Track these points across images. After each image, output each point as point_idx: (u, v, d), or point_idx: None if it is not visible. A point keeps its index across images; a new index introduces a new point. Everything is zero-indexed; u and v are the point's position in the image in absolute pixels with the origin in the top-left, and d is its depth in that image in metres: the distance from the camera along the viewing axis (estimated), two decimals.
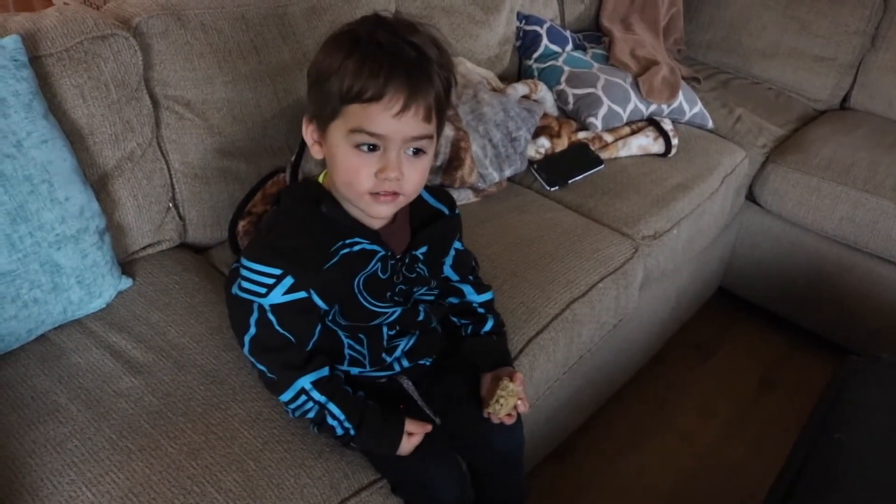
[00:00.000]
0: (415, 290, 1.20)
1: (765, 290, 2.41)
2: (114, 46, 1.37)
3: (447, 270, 1.29)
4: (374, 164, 1.02)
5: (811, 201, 2.15)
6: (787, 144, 2.30)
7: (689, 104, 2.21)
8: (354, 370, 1.20)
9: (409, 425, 1.13)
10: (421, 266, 1.19)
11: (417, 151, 1.05)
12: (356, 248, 1.11)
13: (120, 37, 1.39)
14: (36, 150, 1.23)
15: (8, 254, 1.19)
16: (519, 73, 2.26)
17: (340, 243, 1.10)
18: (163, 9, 1.49)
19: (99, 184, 1.37)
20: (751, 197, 2.29)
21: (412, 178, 1.05)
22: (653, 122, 2.09)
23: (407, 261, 1.16)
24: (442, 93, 1.05)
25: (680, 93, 2.17)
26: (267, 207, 1.52)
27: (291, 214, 1.15)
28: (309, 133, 1.10)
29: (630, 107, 2.06)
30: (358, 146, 1.02)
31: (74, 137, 1.32)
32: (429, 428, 1.14)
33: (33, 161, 1.22)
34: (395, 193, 1.05)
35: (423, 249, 1.19)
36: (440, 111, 1.06)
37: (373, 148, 1.02)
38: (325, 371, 1.12)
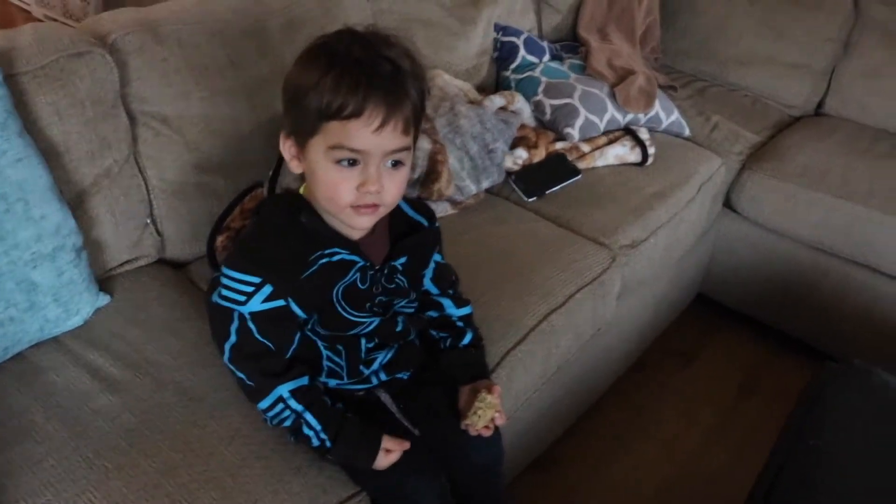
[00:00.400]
0: (394, 301, 1.21)
1: (744, 296, 2.43)
2: (90, 64, 1.38)
3: (427, 284, 1.30)
4: (355, 179, 1.04)
5: (787, 208, 2.17)
6: (763, 151, 2.32)
7: (665, 113, 2.23)
8: (332, 382, 1.21)
9: (387, 442, 1.13)
10: (400, 277, 1.20)
11: (396, 163, 1.07)
12: (335, 258, 1.12)
13: (96, 54, 1.39)
14: (11, 168, 1.23)
15: None
16: (497, 83, 2.27)
17: (319, 253, 1.11)
18: (140, 25, 1.49)
19: (76, 201, 1.37)
20: (728, 204, 2.31)
21: (391, 189, 1.07)
22: (629, 132, 2.11)
23: (386, 271, 1.18)
24: (418, 104, 1.07)
25: (657, 102, 2.19)
26: (245, 222, 1.52)
27: (271, 224, 1.16)
28: (287, 148, 1.11)
29: (607, 116, 2.08)
30: (338, 161, 1.03)
31: (50, 155, 1.32)
32: (407, 445, 1.15)
33: (8, 180, 1.22)
34: (376, 205, 1.07)
35: (402, 260, 1.20)
36: (417, 122, 1.08)
37: (353, 162, 1.03)
38: (304, 380, 1.13)
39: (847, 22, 2.52)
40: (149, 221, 1.52)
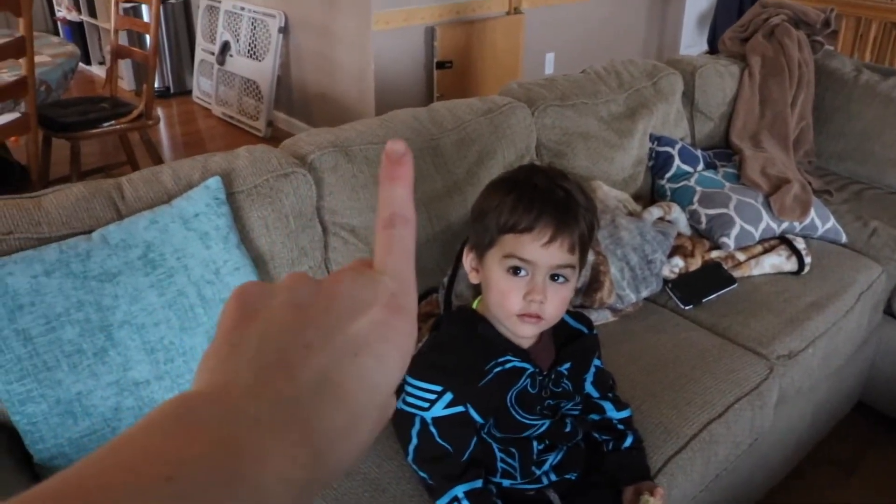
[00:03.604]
0: (561, 404, 1.30)
1: None
2: (294, 182, 1.57)
3: (588, 387, 1.39)
4: (523, 288, 1.17)
5: None
6: None
7: (821, 220, 2.24)
8: (506, 482, 1.30)
9: None
10: (566, 381, 1.30)
11: (561, 279, 1.18)
12: (508, 365, 1.23)
13: (299, 174, 1.58)
14: (230, 276, 1.42)
15: None
16: (652, 191, 2.35)
17: (494, 362, 1.23)
18: (333, 145, 1.68)
19: None
20: (889, 311, 2.26)
21: (554, 302, 1.19)
22: (785, 241, 2.13)
23: (553, 376, 1.28)
24: (586, 232, 1.20)
25: (812, 209, 2.21)
26: (420, 325, 1.66)
27: (451, 336, 1.29)
28: (468, 261, 1.26)
29: (762, 226, 2.12)
30: (509, 270, 1.17)
31: (258, 263, 1.51)
32: None
33: (228, 286, 1.41)
34: (539, 317, 1.18)
35: (567, 366, 1.30)
36: (583, 246, 1.21)
37: (522, 272, 1.16)
38: (478, 483, 1.23)
39: None
40: None
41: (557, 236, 1.15)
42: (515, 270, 1.17)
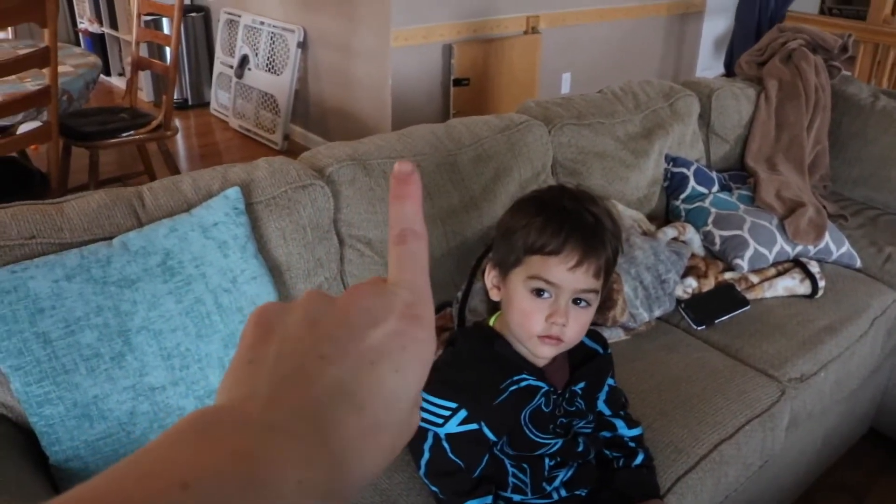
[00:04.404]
0: (574, 422, 1.31)
1: None
2: (312, 194, 1.59)
3: (601, 405, 1.39)
4: (546, 309, 1.18)
5: None
6: None
7: (835, 244, 2.24)
8: (517, 497, 1.30)
9: None
10: (579, 400, 1.31)
11: (584, 303, 1.19)
12: (523, 384, 1.24)
13: (317, 186, 1.60)
14: (247, 285, 1.43)
15: (219, 374, 1.38)
16: (666, 211, 2.36)
17: (509, 380, 1.23)
18: (351, 158, 1.70)
19: None
20: None
21: (575, 326, 1.20)
22: (799, 264, 2.13)
23: (567, 395, 1.28)
24: (611, 257, 1.21)
25: (826, 233, 2.21)
26: None
27: (467, 353, 1.30)
28: (490, 278, 1.26)
29: (776, 248, 2.12)
30: (533, 291, 1.18)
31: (275, 273, 1.52)
32: None
33: (245, 295, 1.42)
34: (559, 339, 1.19)
35: (582, 385, 1.31)
36: (607, 271, 1.22)
37: (546, 294, 1.17)
38: (488, 499, 1.24)
39: None
40: None
41: (584, 261, 1.16)
42: (539, 292, 1.18)
